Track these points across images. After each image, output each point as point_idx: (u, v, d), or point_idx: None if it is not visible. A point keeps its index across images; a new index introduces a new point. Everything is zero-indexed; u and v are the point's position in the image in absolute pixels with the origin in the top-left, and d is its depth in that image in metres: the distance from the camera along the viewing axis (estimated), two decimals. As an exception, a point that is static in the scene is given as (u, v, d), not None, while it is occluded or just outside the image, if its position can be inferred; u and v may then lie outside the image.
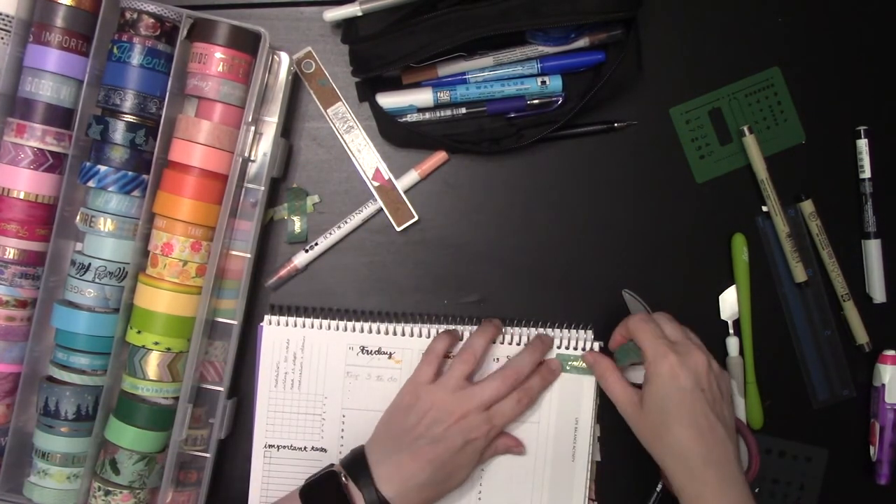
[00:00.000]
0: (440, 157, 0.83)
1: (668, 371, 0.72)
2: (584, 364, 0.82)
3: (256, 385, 0.82)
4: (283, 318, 0.82)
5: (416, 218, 0.83)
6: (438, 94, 0.81)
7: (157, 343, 0.77)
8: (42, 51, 0.75)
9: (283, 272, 0.83)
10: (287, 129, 0.83)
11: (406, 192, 0.83)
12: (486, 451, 0.78)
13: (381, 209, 0.83)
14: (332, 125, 0.83)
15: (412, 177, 0.83)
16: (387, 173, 0.83)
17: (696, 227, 0.84)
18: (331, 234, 0.83)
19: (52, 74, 0.76)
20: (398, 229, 0.83)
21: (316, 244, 0.83)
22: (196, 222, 0.77)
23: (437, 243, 0.84)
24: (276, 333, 0.82)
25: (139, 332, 0.77)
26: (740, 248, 0.83)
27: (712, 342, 0.84)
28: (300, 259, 0.83)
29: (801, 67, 0.84)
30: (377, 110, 0.81)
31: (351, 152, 0.83)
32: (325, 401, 0.82)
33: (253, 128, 0.78)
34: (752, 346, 0.84)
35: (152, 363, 0.79)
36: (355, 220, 0.83)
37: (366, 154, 0.83)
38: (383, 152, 0.84)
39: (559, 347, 0.82)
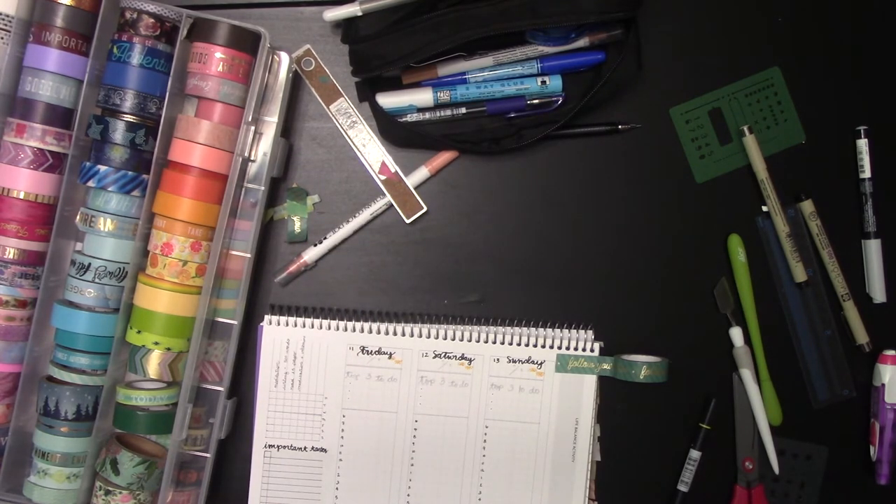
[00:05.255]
0: (450, 153, 0.83)
1: None
2: (584, 364, 0.82)
3: (256, 385, 0.82)
4: (283, 318, 0.82)
5: (425, 209, 0.83)
6: (438, 93, 0.81)
7: (157, 343, 0.77)
8: (42, 51, 0.75)
9: (292, 268, 0.83)
10: (287, 129, 0.83)
11: (415, 188, 0.83)
12: None
13: (391, 204, 0.83)
14: (335, 121, 0.83)
15: (422, 173, 0.83)
16: (393, 166, 0.83)
17: (696, 226, 0.84)
18: (340, 228, 0.83)
19: (52, 74, 0.76)
20: (408, 221, 0.83)
21: (325, 238, 0.83)
22: (196, 222, 0.77)
23: (437, 243, 0.84)
24: (276, 333, 0.82)
25: (139, 332, 0.77)
26: (735, 249, 0.83)
27: (715, 340, 0.84)
28: (310, 254, 0.83)
29: (801, 67, 0.84)
30: (377, 110, 0.81)
31: (356, 147, 0.83)
32: (325, 401, 0.82)
33: (253, 128, 0.78)
34: (761, 345, 0.84)
35: (153, 362, 0.79)
36: (364, 215, 0.83)
37: (371, 148, 0.83)
38: (388, 146, 0.84)
39: (559, 348, 0.82)
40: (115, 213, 0.77)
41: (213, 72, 0.76)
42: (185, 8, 0.77)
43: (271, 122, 0.80)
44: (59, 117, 0.77)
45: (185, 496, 0.80)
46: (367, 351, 0.82)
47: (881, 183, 0.84)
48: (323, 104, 0.83)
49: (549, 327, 0.84)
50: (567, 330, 0.83)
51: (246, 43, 0.76)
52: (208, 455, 0.79)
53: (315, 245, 0.83)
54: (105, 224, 0.77)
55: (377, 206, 0.83)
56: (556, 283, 0.84)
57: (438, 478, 0.83)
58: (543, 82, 0.82)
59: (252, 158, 0.80)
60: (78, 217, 0.78)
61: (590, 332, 0.83)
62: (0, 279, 0.77)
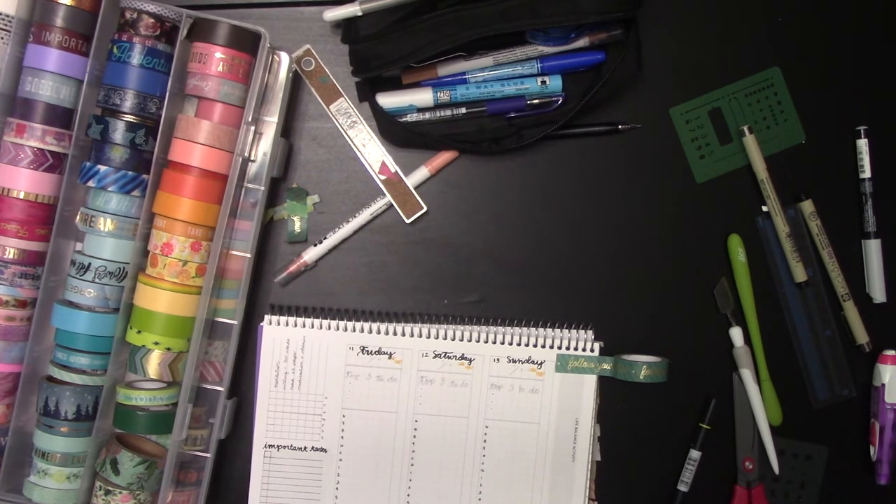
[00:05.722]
0: (450, 153, 0.83)
1: None
2: (584, 364, 0.82)
3: (256, 385, 0.82)
4: (283, 318, 0.82)
5: (425, 209, 0.83)
6: (438, 93, 0.81)
7: (157, 343, 0.77)
8: (42, 51, 0.75)
9: (292, 268, 0.83)
10: (287, 129, 0.83)
11: (415, 188, 0.83)
12: None
13: (391, 204, 0.83)
14: (335, 121, 0.83)
15: (422, 173, 0.83)
16: (393, 166, 0.83)
17: (696, 226, 0.84)
18: (340, 228, 0.83)
19: (52, 74, 0.76)
20: (408, 221, 0.83)
21: (325, 238, 0.83)
22: (196, 222, 0.77)
23: (437, 243, 0.84)
24: (276, 333, 0.82)
25: (139, 332, 0.77)
26: (735, 249, 0.83)
27: (715, 340, 0.84)
28: (310, 254, 0.83)
29: (801, 67, 0.84)
30: (377, 110, 0.81)
31: (356, 147, 0.83)
32: (325, 401, 0.82)
33: (253, 128, 0.78)
34: (761, 344, 0.84)
35: (153, 362, 0.79)
36: (364, 215, 0.83)
37: (371, 148, 0.83)
38: (388, 146, 0.84)
39: (559, 348, 0.82)
40: (115, 213, 0.77)
41: (213, 72, 0.76)
42: (185, 8, 0.77)
43: (271, 122, 0.80)
44: (59, 117, 0.77)
45: (185, 496, 0.80)
46: (367, 351, 0.82)
47: (881, 183, 0.84)
48: (323, 104, 0.83)
49: (549, 327, 0.84)
50: (567, 330, 0.83)
51: (246, 43, 0.76)
52: (208, 455, 0.79)
53: (315, 245, 0.83)
54: (105, 224, 0.76)
55: (377, 206, 0.83)
56: (556, 283, 0.84)
57: (438, 478, 0.83)
58: (543, 82, 0.82)
59: (252, 158, 0.80)
60: (78, 217, 0.78)
61: (590, 332, 0.83)
62: (0, 279, 0.77)
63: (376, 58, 0.77)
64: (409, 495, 0.83)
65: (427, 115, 0.82)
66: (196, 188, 0.76)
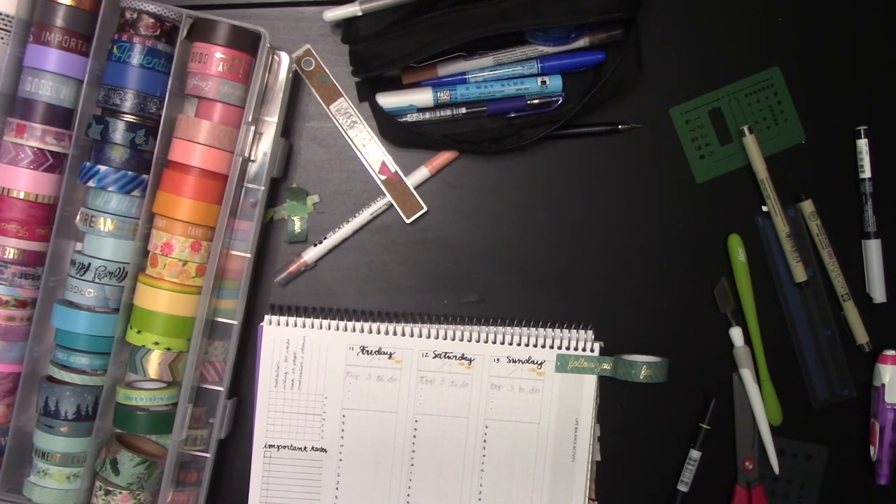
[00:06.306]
0: (450, 153, 0.83)
1: None
2: (584, 364, 0.82)
3: (256, 385, 0.82)
4: (283, 318, 0.82)
5: (425, 209, 0.83)
6: (438, 93, 0.81)
7: (157, 343, 0.77)
8: (42, 51, 0.75)
9: (292, 268, 0.83)
10: (287, 129, 0.83)
11: (415, 188, 0.83)
12: None
13: (391, 204, 0.83)
14: (335, 121, 0.83)
15: (422, 173, 0.83)
16: (393, 166, 0.83)
17: (696, 226, 0.84)
18: (340, 228, 0.83)
19: (52, 74, 0.76)
20: (408, 221, 0.83)
21: (325, 238, 0.83)
22: (196, 222, 0.77)
23: (437, 243, 0.84)
24: (276, 333, 0.82)
25: (139, 332, 0.77)
26: (736, 249, 0.83)
27: (715, 340, 0.84)
28: (310, 254, 0.83)
29: (801, 67, 0.84)
30: (377, 110, 0.81)
31: (356, 147, 0.83)
32: (325, 401, 0.82)
33: (253, 128, 0.78)
34: (761, 344, 0.84)
35: (153, 362, 0.79)
36: (364, 215, 0.83)
37: (371, 148, 0.83)
38: (388, 146, 0.84)
39: (559, 348, 0.82)
40: (115, 213, 0.77)
41: (213, 72, 0.76)
42: (185, 8, 0.77)
43: (271, 122, 0.80)
44: (59, 117, 0.77)
45: (185, 496, 0.80)
46: (367, 351, 0.82)
47: (881, 183, 0.84)
48: (323, 104, 0.83)
49: (549, 327, 0.84)
50: (567, 330, 0.83)
51: (246, 43, 0.76)
52: (208, 455, 0.79)
53: (315, 245, 0.83)
54: (105, 224, 0.77)
55: (377, 206, 0.83)
56: (556, 283, 0.84)
57: (438, 478, 0.83)
58: (543, 82, 0.82)
59: (252, 158, 0.80)
60: (78, 217, 0.78)
61: (590, 332, 0.83)
62: (0, 279, 0.77)
63: (376, 58, 0.77)
64: (409, 495, 0.83)
65: (427, 115, 0.82)
66: (196, 188, 0.76)
